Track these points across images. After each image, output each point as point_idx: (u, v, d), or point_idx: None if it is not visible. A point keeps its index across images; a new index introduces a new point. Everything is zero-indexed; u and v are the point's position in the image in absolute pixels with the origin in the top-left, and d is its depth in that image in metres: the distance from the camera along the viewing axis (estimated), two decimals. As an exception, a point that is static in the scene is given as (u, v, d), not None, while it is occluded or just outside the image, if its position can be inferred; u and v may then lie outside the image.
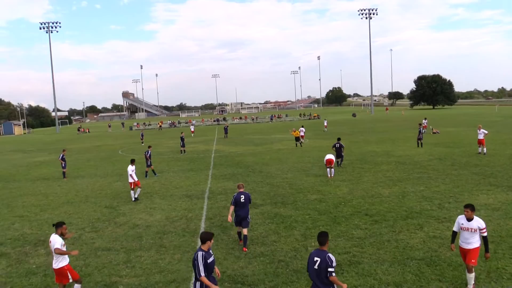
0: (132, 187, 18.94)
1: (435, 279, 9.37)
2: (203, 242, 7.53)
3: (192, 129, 62.56)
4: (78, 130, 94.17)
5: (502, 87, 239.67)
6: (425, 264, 10.24)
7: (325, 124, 59.87)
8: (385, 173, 22.26)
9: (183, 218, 15.47)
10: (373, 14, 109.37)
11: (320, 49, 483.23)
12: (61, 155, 27.26)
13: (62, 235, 9.07)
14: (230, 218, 12.31)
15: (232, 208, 12.08)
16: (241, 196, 12.08)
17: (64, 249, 8.92)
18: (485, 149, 27.35)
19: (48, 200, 20.14)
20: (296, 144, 38.39)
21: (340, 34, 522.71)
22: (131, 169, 19.07)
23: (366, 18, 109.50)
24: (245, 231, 12.08)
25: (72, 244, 13.08)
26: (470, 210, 8.72)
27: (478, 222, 8.70)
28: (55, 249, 8.74)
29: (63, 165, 26.76)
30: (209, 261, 7.30)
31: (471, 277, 8.74)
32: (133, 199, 18.77)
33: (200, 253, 7.32)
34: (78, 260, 11.68)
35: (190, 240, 12.91)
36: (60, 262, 8.84)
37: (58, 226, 9.12)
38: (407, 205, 15.70)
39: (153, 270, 10.74)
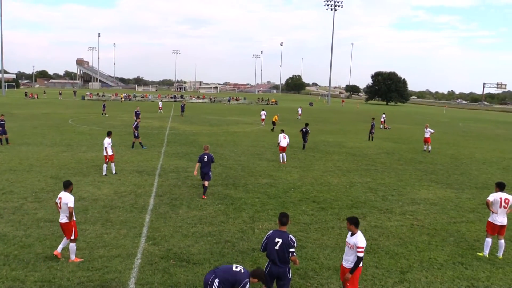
0: (106, 160, 18.20)
1: (372, 265, 9.87)
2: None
3: (160, 105, 60.18)
4: (26, 95, 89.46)
5: (452, 90, 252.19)
6: (365, 251, 10.71)
7: (299, 112, 55.20)
8: (335, 163, 22.93)
9: (132, 194, 15.26)
10: (339, 6, 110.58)
11: (283, 36, 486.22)
12: None
13: (71, 192, 9.74)
14: (196, 172, 15.38)
15: (198, 165, 15.03)
16: (205, 156, 15.00)
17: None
18: (430, 147, 28.76)
19: (-11, 166, 19.15)
20: (273, 128, 38.69)
21: (304, 23, 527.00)
22: (107, 141, 18.21)
23: (331, 9, 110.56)
24: (206, 183, 15.08)
25: (13, 214, 12.61)
26: (349, 223, 7.48)
27: (356, 239, 7.40)
28: (69, 207, 9.45)
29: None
30: None
31: None
32: (104, 173, 18.09)
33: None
34: (18, 230, 11.31)
35: (138, 216, 12.78)
36: (68, 217, 9.55)
37: (69, 185, 9.85)
38: (353, 194, 16.32)
39: (97, 244, 10.57)
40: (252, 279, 7.02)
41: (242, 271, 7.03)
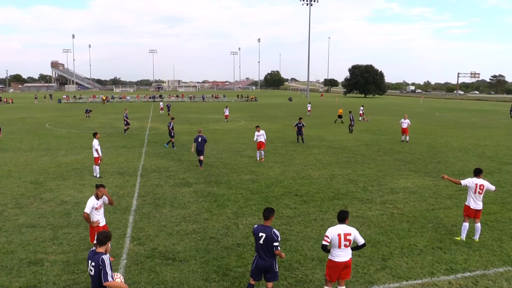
0: (98, 162, 18.03)
1: (355, 254, 10.02)
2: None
3: (161, 106, 60.15)
4: (0, 100, 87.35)
5: (428, 81, 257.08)
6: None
7: (309, 108, 55.76)
8: (316, 156, 23.22)
9: (114, 195, 15.18)
10: (314, 0, 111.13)
11: (260, 32, 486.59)
12: None
13: (97, 197, 9.52)
14: (193, 150, 19.65)
15: (194, 144, 19.40)
16: (199, 137, 19.25)
17: (96, 211, 9.49)
18: (407, 137, 29.35)
19: (-35, 173, 18.76)
20: (341, 121, 42.79)
21: (280, 19, 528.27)
22: (96, 143, 17.97)
23: (307, 4, 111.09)
24: (201, 157, 19.38)
25: (-7, 220, 12.43)
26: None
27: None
28: (83, 212, 9.44)
29: None
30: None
31: None
32: (98, 175, 17.94)
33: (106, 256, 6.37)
34: (0, 237, 11.16)
35: (121, 217, 12.76)
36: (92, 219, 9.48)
37: (96, 188, 9.68)
38: (334, 186, 16.60)
39: (81, 247, 10.53)
40: (101, 249, 6.46)
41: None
